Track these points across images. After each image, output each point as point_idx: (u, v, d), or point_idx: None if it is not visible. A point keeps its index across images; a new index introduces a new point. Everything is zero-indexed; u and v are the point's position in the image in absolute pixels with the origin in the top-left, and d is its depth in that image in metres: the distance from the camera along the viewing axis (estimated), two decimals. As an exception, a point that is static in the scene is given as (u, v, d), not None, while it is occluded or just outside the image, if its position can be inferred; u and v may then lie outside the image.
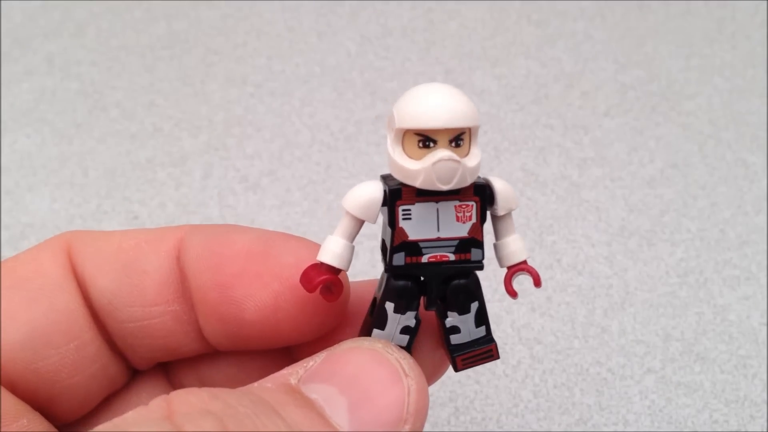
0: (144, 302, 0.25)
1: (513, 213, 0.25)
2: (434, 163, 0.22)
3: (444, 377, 0.39)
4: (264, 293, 0.25)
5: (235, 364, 0.27)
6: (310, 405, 0.21)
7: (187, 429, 0.18)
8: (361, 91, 0.54)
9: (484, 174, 0.24)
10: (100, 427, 0.19)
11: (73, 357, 0.25)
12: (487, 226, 0.24)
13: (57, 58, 0.57)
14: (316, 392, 0.21)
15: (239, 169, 0.49)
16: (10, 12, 0.60)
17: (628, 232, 0.46)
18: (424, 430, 0.38)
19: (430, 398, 0.39)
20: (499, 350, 0.25)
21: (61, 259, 0.25)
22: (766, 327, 0.41)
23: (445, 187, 0.22)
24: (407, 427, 0.21)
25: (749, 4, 0.60)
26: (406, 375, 0.22)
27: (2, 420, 0.23)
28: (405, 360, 0.22)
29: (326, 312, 0.25)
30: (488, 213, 0.24)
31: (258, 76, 0.55)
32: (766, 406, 0.38)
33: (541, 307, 0.42)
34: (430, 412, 0.38)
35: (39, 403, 0.25)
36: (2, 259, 0.24)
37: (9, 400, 0.24)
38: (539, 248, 0.45)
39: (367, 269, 0.43)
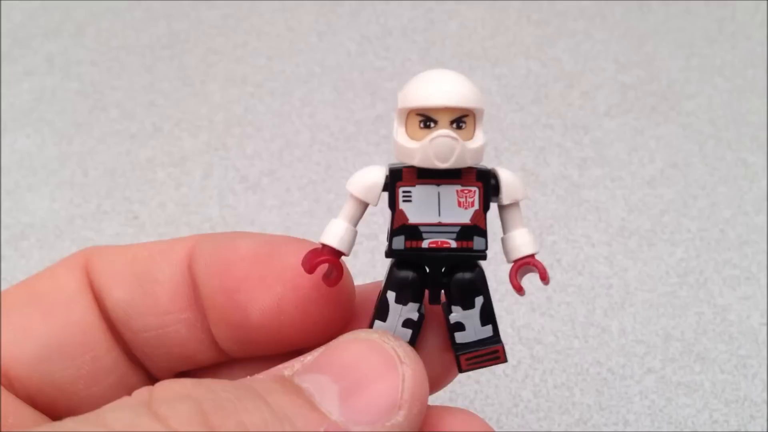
0: (158, 311, 0.26)
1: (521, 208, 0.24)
2: (431, 140, 0.22)
3: (444, 377, 0.39)
4: (267, 296, 0.25)
5: (251, 371, 0.27)
6: (298, 392, 0.21)
7: (162, 412, 0.19)
8: (361, 91, 0.54)
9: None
10: (80, 416, 0.19)
11: (89, 368, 0.25)
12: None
13: (57, 58, 0.57)
14: (309, 382, 0.21)
15: (239, 169, 0.49)
16: (10, 12, 0.60)
17: (628, 232, 0.46)
18: (424, 430, 0.38)
19: (431, 398, 0.39)
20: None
21: (77, 274, 0.26)
22: (766, 327, 0.41)
23: (442, 165, 0.22)
24: (402, 413, 0.21)
25: (749, 4, 0.60)
26: (402, 362, 0.22)
27: None
28: (401, 348, 0.22)
29: (331, 314, 0.25)
30: (495, 205, 0.24)
31: (258, 76, 0.55)
32: (766, 406, 0.38)
33: (541, 307, 0.42)
34: (430, 412, 0.38)
35: (58, 415, 0.25)
36: (2, 258, 0.25)
37: (26, 412, 0.24)
38: (539, 248, 0.45)
39: (367, 269, 0.43)
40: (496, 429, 0.38)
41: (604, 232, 0.46)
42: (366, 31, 0.58)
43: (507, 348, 0.40)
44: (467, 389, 0.39)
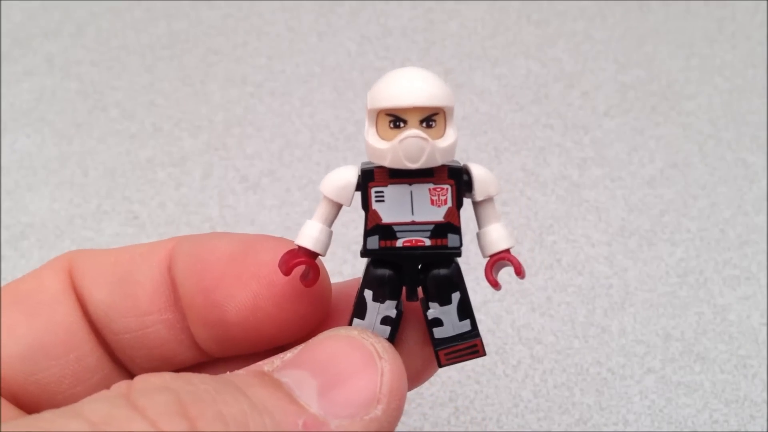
0: (137, 312, 0.26)
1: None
2: (401, 141, 0.22)
3: (444, 377, 0.39)
4: (243, 293, 0.25)
5: (232, 370, 0.28)
6: (277, 386, 0.21)
7: (140, 403, 0.19)
8: (361, 91, 0.54)
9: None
10: (59, 409, 0.19)
11: (73, 367, 0.25)
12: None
13: (57, 58, 0.57)
14: (288, 376, 0.22)
15: (239, 169, 0.49)
16: (10, 12, 0.60)
17: (628, 232, 0.46)
18: (425, 430, 0.38)
19: (431, 398, 0.39)
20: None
21: (61, 276, 0.26)
22: (766, 327, 0.41)
23: (412, 165, 0.22)
24: (380, 407, 0.21)
25: (749, 4, 0.60)
26: (380, 357, 0.22)
27: None
28: (380, 344, 0.22)
29: (307, 310, 0.25)
30: (470, 201, 0.24)
31: (258, 76, 0.55)
32: (766, 406, 0.38)
33: (541, 307, 0.42)
34: (430, 411, 0.38)
35: None
36: (3, 258, 0.25)
37: (11, 412, 0.24)
38: (539, 248, 0.45)
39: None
40: (496, 429, 0.38)
41: (604, 232, 0.46)
42: (366, 31, 0.58)
43: (507, 348, 0.41)
44: (467, 389, 0.39)
